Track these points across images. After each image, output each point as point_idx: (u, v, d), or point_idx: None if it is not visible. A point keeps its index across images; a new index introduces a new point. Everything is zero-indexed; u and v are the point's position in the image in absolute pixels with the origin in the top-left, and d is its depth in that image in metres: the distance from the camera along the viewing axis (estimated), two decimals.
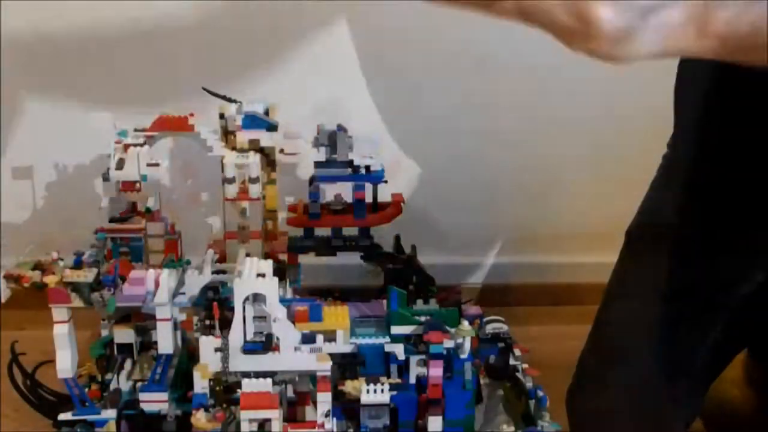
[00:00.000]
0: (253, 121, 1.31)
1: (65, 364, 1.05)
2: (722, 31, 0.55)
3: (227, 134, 1.37)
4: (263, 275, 1.04)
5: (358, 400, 1.07)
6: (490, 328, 1.26)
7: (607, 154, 1.76)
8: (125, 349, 1.22)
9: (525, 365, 1.22)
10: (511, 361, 1.23)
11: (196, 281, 1.17)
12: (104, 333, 1.22)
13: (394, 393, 1.09)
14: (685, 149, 1.16)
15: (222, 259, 1.26)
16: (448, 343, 1.10)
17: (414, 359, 1.13)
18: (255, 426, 1.03)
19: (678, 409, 1.16)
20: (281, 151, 1.34)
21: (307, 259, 1.35)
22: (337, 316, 1.09)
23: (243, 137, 1.31)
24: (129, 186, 1.24)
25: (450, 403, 1.10)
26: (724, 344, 1.18)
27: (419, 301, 1.18)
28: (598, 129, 1.74)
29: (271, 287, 1.03)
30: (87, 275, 1.04)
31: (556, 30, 0.57)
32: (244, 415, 1.02)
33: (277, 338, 1.04)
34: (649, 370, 1.14)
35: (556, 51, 1.50)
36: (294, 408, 1.13)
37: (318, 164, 1.31)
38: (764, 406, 1.33)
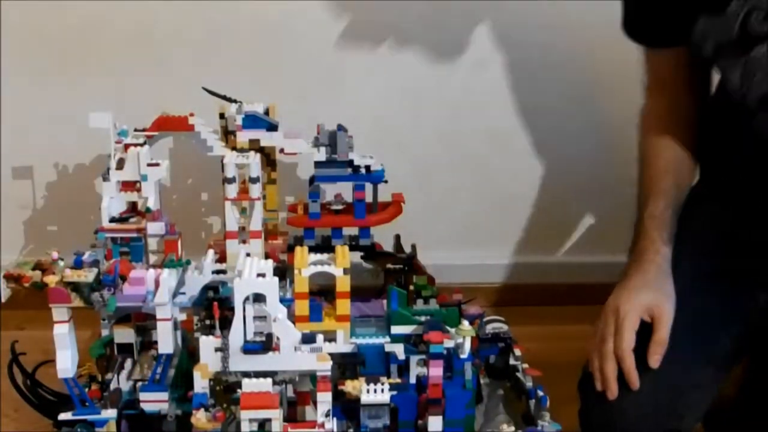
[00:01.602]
0: (253, 121, 1.31)
1: (65, 364, 1.05)
2: None
3: (227, 134, 1.37)
4: (263, 275, 1.04)
5: (358, 400, 1.07)
6: (490, 328, 1.26)
7: (609, 155, 1.76)
8: (125, 349, 1.22)
9: (525, 365, 1.22)
10: (511, 361, 1.23)
11: (196, 281, 1.17)
12: (104, 333, 1.22)
13: (394, 393, 1.09)
14: (711, 192, 1.27)
15: (222, 259, 1.26)
16: (448, 343, 1.10)
17: (414, 359, 1.13)
18: (255, 426, 1.03)
19: (697, 395, 1.16)
20: (281, 151, 1.35)
21: None
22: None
23: (243, 137, 1.31)
24: (129, 186, 1.24)
25: (450, 403, 1.10)
26: (743, 340, 1.19)
27: (419, 301, 1.18)
28: (600, 129, 1.74)
29: (271, 287, 1.03)
30: (87, 275, 1.04)
31: None
32: (244, 415, 1.02)
33: (277, 338, 1.04)
34: (672, 350, 1.14)
35: (557, 52, 1.49)
36: (294, 408, 1.13)
37: (318, 164, 1.31)
38: (760, 406, 1.34)
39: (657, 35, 1.24)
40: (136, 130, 1.31)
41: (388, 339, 1.14)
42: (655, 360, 1.11)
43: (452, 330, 1.12)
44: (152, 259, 1.26)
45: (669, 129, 1.27)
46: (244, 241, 1.30)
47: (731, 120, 1.19)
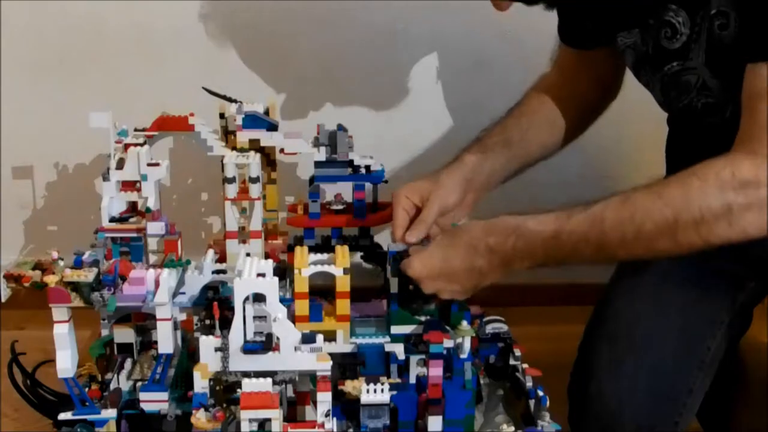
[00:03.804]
0: (253, 121, 1.31)
1: (65, 363, 1.05)
2: None
3: (227, 134, 1.38)
4: (263, 275, 1.04)
5: (358, 400, 1.07)
6: (490, 328, 1.26)
7: (608, 155, 1.76)
8: (125, 348, 1.22)
9: (525, 365, 1.22)
10: (511, 361, 1.23)
11: (196, 281, 1.17)
12: (104, 333, 1.22)
13: (394, 393, 1.09)
14: None
15: (222, 259, 1.26)
16: (448, 343, 1.10)
17: (414, 359, 1.13)
18: (255, 426, 1.03)
19: (690, 400, 1.17)
20: (281, 151, 1.35)
21: None
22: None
23: (243, 137, 1.31)
24: (129, 186, 1.24)
25: (450, 403, 1.10)
26: (725, 341, 1.19)
27: (419, 301, 1.18)
28: (600, 129, 1.74)
29: (271, 287, 1.03)
30: (87, 275, 1.04)
31: None
32: (244, 415, 1.02)
33: (277, 338, 1.04)
34: (666, 358, 1.15)
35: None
36: (294, 408, 1.13)
37: (318, 164, 1.31)
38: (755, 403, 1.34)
39: (585, 42, 1.29)
40: (136, 130, 1.31)
41: (388, 339, 1.14)
42: (412, 235, 1.17)
43: (452, 330, 1.12)
44: (152, 259, 1.26)
45: (553, 100, 1.33)
46: (244, 241, 1.30)
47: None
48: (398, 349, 1.13)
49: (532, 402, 1.15)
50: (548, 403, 1.13)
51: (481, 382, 1.22)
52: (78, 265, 1.06)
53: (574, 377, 1.23)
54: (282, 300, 1.06)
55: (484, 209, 1.26)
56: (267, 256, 1.24)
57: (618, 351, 1.18)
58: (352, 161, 1.31)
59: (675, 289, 1.18)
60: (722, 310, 1.19)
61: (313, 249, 1.15)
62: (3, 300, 1.07)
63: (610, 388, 1.17)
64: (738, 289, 1.20)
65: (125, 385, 1.18)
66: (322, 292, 1.23)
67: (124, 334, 1.21)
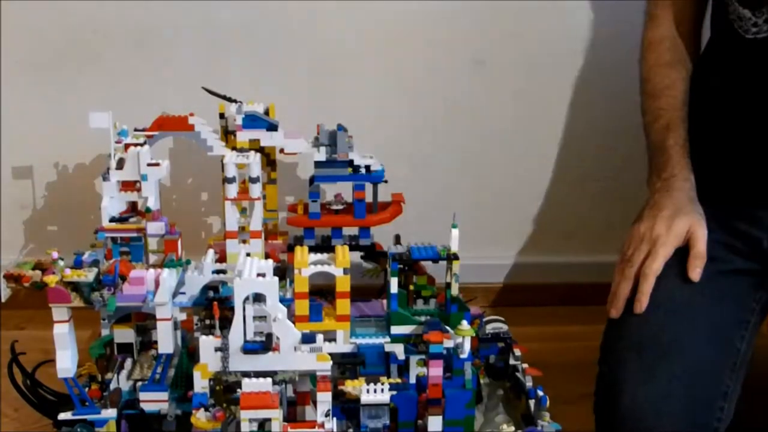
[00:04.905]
0: (253, 121, 1.31)
1: (65, 363, 1.05)
2: None
3: (227, 134, 1.38)
4: (263, 275, 1.04)
5: (358, 400, 1.08)
6: (490, 328, 1.26)
7: (608, 156, 1.76)
8: (125, 348, 1.22)
9: (525, 365, 1.22)
10: (511, 361, 1.23)
11: (196, 281, 1.17)
12: (104, 333, 1.22)
13: (394, 393, 1.09)
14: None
15: (222, 259, 1.26)
16: (448, 343, 1.10)
17: (414, 359, 1.13)
18: (255, 426, 1.03)
19: (727, 405, 1.14)
20: (281, 151, 1.35)
21: None
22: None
23: (243, 137, 1.31)
24: (129, 186, 1.24)
25: (450, 403, 1.10)
26: (752, 342, 1.18)
27: (419, 301, 1.18)
28: (599, 129, 1.74)
29: (271, 287, 1.03)
30: (87, 275, 1.04)
31: None
32: (244, 414, 1.02)
33: (277, 338, 1.04)
34: (699, 362, 1.12)
35: (558, 52, 1.48)
36: (294, 408, 1.13)
37: (318, 164, 1.31)
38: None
39: None
40: (136, 130, 1.31)
41: (388, 339, 1.14)
42: (696, 273, 1.14)
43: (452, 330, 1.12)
44: (152, 259, 1.26)
45: (677, 56, 1.29)
46: (244, 241, 1.30)
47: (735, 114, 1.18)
48: (398, 349, 1.13)
49: (532, 402, 1.15)
50: (548, 403, 1.13)
51: (481, 382, 1.22)
52: (78, 265, 1.06)
53: (601, 394, 1.18)
54: (282, 300, 1.06)
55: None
56: (267, 256, 1.24)
57: (648, 360, 1.13)
58: (352, 161, 1.31)
59: (696, 291, 1.16)
60: (746, 310, 1.18)
61: (313, 249, 1.15)
62: (3, 300, 1.07)
63: (644, 399, 1.11)
64: (758, 288, 1.19)
65: (125, 385, 1.18)
66: (322, 292, 1.23)
67: (124, 334, 1.21)
